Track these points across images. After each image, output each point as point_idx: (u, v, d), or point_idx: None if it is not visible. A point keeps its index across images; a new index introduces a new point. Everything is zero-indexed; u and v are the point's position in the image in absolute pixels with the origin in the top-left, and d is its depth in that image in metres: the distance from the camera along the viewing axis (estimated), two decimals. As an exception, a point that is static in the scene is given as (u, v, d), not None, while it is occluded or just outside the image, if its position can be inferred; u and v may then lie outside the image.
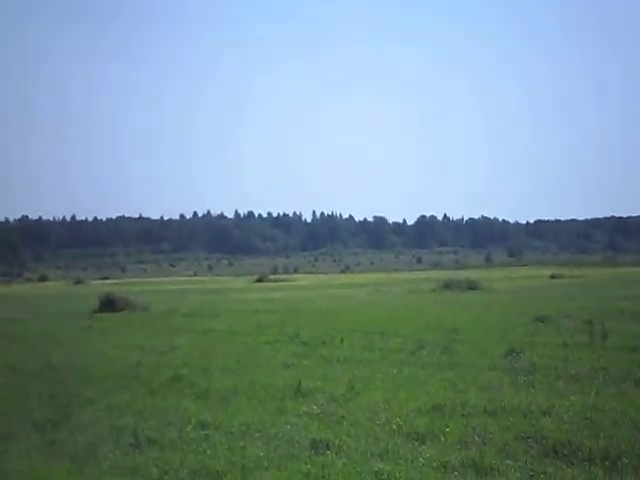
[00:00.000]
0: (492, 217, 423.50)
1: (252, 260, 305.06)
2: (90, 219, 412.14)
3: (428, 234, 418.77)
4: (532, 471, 12.51)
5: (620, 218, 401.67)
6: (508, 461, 13.19)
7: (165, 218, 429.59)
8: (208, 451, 15.12)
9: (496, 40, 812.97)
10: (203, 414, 18.28)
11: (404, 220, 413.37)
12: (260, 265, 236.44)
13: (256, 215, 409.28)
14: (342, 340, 34.65)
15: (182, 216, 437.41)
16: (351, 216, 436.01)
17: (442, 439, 15.23)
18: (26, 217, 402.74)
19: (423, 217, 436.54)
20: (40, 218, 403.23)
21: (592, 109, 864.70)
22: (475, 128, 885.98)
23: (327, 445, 14.83)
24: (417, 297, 78.31)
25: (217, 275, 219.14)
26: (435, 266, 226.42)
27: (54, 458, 15.11)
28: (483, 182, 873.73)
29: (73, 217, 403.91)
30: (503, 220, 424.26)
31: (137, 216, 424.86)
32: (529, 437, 14.83)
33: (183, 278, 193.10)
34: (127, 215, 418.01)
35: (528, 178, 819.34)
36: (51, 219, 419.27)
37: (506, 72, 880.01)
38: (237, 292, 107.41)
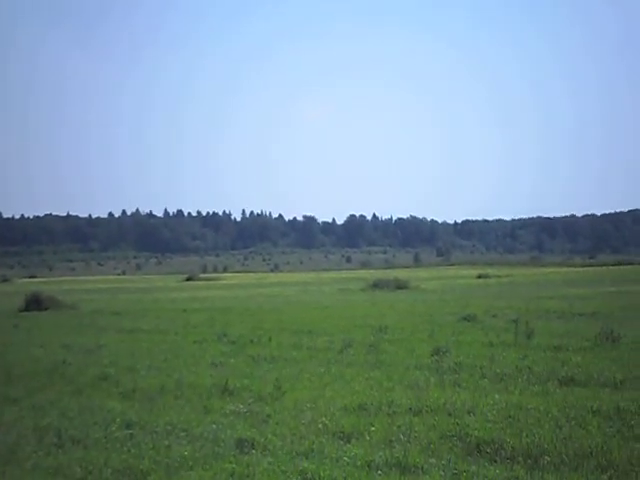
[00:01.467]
0: (421, 217, 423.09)
1: (181, 259, 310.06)
2: (17, 217, 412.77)
3: (357, 233, 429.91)
4: (456, 470, 12.62)
5: (547, 218, 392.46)
6: (432, 460, 13.25)
7: (93, 216, 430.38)
8: (132, 450, 14.94)
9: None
10: (128, 413, 18.28)
11: (334, 219, 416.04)
12: (189, 264, 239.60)
13: (185, 214, 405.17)
14: (270, 339, 35.15)
15: (111, 214, 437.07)
16: (281, 215, 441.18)
17: (367, 438, 15.34)
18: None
19: (352, 216, 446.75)
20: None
21: (531, 110, 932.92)
22: (404, 129, 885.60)
23: (252, 444, 14.89)
24: (346, 296, 78.71)
25: (146, 274, 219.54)
26: (364, 265, 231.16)
27: None
28: (412, 182, 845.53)
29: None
30: (432, 220, 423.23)
31: (65, 214, 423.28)
32: (453, 436, 15.01)
33: (111, 277, 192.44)
34: (55, 213, 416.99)
35: (456, 178, 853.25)
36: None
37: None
38: (166, 291, 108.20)
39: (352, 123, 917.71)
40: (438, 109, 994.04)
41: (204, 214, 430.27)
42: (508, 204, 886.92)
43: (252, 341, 35.14)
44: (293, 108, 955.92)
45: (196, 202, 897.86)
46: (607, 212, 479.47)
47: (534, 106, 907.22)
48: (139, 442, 15.69)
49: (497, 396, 18.98)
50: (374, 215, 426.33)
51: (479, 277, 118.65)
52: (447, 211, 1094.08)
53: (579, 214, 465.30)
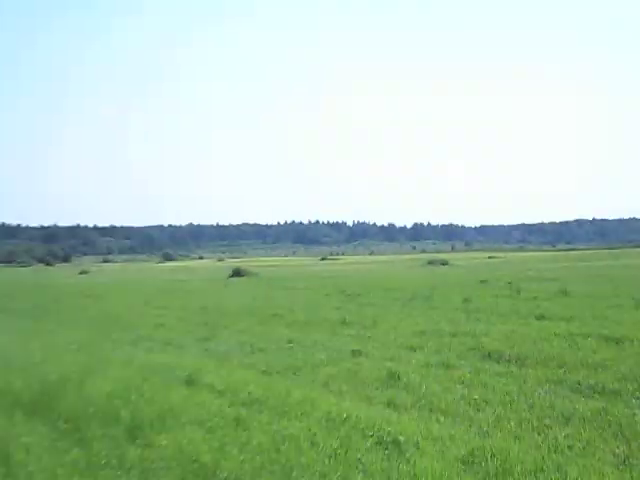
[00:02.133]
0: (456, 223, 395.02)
1: (317, 248, 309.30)
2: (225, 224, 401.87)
3: (418, 233, 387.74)
4: (476, 367, 14.04)
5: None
6: (462, 362, 14.78)
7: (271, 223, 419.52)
8: (292, 356, 16.60)
9: None
10: (290, 335, 19.44)
11: (404, 225, 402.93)
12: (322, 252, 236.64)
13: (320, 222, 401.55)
14: (369, 293, 36.62)
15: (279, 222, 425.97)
16: (375, 223, 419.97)
17: (425, 350, 16.85)
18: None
19: (415, 223, 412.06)
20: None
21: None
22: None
23: (360, 352, 16.48)
24: (411, 269, 77.59)
25: (297, 257, 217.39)
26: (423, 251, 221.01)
27: (207, 358, 15.52)
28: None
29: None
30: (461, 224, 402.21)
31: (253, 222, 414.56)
32: (475, 349, 16.43)
33: (279, 258, 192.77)
34: (252, 222, 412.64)
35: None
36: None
37: None
38: (309, 266, 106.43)
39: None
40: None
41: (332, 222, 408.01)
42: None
43: (359, 294, 35.73)
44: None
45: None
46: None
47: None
48: (296, 351, 17.37)
49: (500, 326, 20.37)
50: (429, 222, 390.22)
51: (489, 258, 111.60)
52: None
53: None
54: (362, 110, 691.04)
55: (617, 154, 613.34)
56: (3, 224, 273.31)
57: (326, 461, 7.49)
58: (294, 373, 13.99)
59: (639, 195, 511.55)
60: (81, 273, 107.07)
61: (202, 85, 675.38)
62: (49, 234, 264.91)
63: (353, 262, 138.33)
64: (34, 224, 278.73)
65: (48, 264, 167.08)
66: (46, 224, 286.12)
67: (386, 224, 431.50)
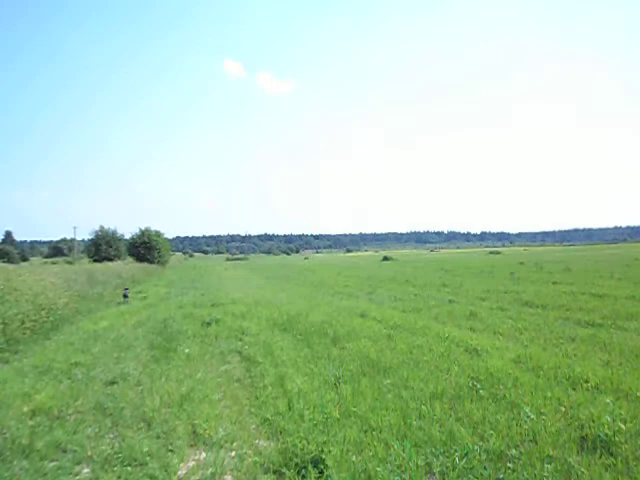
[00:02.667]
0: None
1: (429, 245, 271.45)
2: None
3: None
4: (518, 310, 13.53)
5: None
6: (510, 307, 14.26)
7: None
8: (416, 302, 15.88)
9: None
10: (415, 291, 20.38)
11: (427, 230, 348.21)
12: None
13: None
14: (457, 269, 33.10)
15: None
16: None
17: (490, 300, 16.08)
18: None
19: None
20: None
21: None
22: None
23: (453, 301, 16.17)
24: (479, 256, 72.23)
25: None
26: (486, 247, 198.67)
27: (371, 303, 16.31)
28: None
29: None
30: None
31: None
32: (517, 300, 15.63)
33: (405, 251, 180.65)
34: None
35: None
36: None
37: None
38: (423, 254, 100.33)
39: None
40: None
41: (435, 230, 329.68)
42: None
43: (452, 269, 35.63)
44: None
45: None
46: None
47: None
48: (418, 300, 16.87)
49: (532, 287, 19.20)
50: (489, 230, 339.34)
51: (524, 250, 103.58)
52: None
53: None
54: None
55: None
56: (265, 234, 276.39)
57: (438, 359, 7.50)
58: (418, 311, 13.75)
59: (616, 208, 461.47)
60: (305, 258, 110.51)
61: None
62: (289, 238, 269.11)
63: (447, 253, 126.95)
64: (279, 233, 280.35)
65: (287, 254, 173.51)
66: (286, 233, 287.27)
67: (464, 231, 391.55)
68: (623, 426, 4.47)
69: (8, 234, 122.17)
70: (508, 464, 3.96)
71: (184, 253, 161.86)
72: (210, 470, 4.24)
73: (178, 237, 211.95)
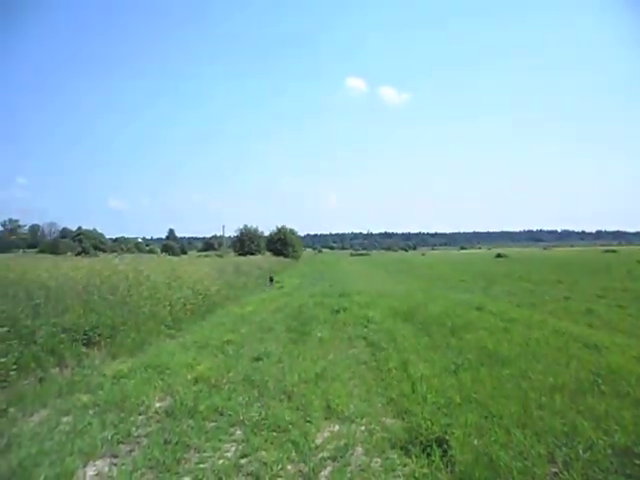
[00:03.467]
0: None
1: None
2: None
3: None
4: (638, 309, 12.30)
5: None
6: (626, 304, 13.04)
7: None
8: (531, 297, 15.24)
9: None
10: (530, 287, 18.15)
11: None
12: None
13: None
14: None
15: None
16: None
17: (608, 297, 15.11)
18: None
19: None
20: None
21: None
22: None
23: (568, 298, 15.08)
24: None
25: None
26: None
27: (486, 297, 15.75)
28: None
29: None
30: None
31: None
32: (637, 298, 13.95)
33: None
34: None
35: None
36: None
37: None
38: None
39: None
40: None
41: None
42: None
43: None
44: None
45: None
46: None
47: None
48: (532, 294, 16.12)
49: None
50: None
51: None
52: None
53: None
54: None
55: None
56: (385, 232, 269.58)
57: (556, 352, 7.00)
58: (533, 306, 13.13)
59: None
60: (422, 254, 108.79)
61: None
62: (407, 236, 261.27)
63: (561, 251, 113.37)
64: (398, 231, 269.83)
65: (406, 250, 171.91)
66: (404, 231, 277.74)
67: (579, 229, 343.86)
68: None
69: (171, 231, 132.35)
70: (635, 460, 3.56)
71: (314, 249, 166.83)
72: (343, 441, 4.27)
73: (308, 234, 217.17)
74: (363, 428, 4.60)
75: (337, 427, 4.65)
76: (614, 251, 77.99)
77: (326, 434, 4.49)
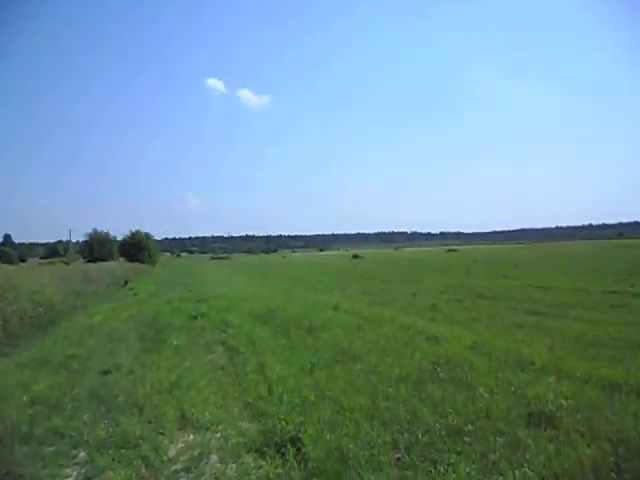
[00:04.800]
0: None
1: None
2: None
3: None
4: (473, 301, 13.69)
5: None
6: (466, 298, 14.50)
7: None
8: (383, 296, 16.04)
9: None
10: (382, 286, 19.20)
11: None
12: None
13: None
14: (421, 267, 31.61)
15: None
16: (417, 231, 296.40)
17: (448, 293, 16.45)
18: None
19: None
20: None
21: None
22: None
23: (415, 294, 15.99)
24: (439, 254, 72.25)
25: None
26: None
27: (343, 297, 16.36)
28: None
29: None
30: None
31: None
32: (472, 293, 15.92)
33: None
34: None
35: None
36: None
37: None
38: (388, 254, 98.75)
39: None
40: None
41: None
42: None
43: (415, 266, 31.32)
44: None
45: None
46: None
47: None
48: (385, 294, 17.19)
49: (484, 282, 19.28)
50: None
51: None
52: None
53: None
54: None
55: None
56: (246, 235, 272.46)
57: (402, 346, 7.49)
58: (384, 304, 13.77)
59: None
60: (282, 257, 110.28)
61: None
62: (267, 239, 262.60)
63: (410, 252, 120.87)
64: (260, 234, 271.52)
65: (266, 253, 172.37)
66: (265, 234, 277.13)
67: (425, 231, 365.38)
68: (564, 402, 4.56)
69: (7, 237, 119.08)
70: (465, 438, 4.00)
71: (172, 253, 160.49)
72: (197, 450, 4.23)
73: (166, 238, 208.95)
74: (219, 435, 4.58)
75: (192, 437, 4.58)
76: (455, 250, 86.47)
77: (180, 445, 4.40)
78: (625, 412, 4.36)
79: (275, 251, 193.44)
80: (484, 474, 3.46)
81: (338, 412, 4.79)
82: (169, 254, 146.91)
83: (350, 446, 3.92)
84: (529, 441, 3.88)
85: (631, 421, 4.12)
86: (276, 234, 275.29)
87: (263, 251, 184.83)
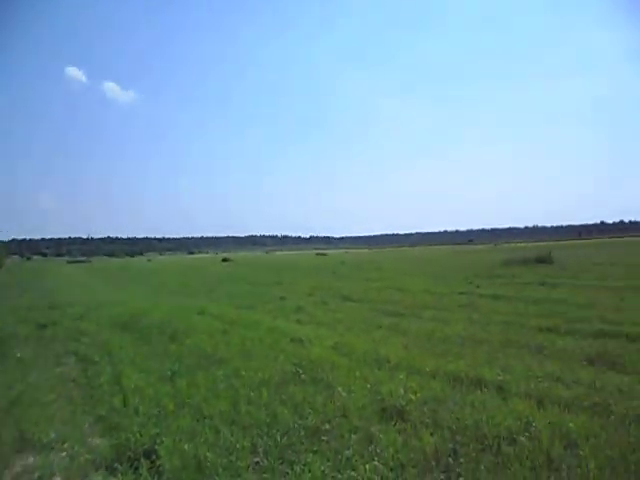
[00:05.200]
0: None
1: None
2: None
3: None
4: (338, 304, 14.05)
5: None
6: (332, 301, 14.77)
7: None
8: (250, 299, 15.85)
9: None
10: (250, 289, 19.28)
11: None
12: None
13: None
14: (294, 268, 31.29)
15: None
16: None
17: (315, 295, 16.56)
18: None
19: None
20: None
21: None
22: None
23: (284, 297, 16.12)
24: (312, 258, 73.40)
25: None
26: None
27: (209, 301, 15.79)
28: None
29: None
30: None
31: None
32: (338, 295, 16.48)
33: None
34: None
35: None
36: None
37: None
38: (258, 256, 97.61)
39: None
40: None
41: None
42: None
43: (287, 268, 31.18)
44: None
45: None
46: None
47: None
48: (252, 296, 16.81)
49: (350, 284, 20.04)
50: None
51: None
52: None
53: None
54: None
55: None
56: (108, 237, 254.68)
57: (267, 349, 7.57)
58: (252, 308, 13.75)
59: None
60: (148, 260, 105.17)
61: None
62: (132, 241, 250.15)
63: (281, 255, 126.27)
64: (124, 236, 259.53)
65: (131, 256, 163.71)
66: (130, 236, 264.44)
67: (295, 235, 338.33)
68: (413, 397, 4.92)
69: None
70: (322, 437, 4.14)
71: (21, 256, 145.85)
72: (38, 473, 3.90)
73: (15, 240, 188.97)
74: (64, 454, 4.26)
75: (32, 459, 4.20)
76: (324, 254, 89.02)
77: (17, 469, 4.01)
78: (464, 402, 4.83)
79: (141, 254, 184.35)
80: (338, 470, 3.60)
81: (198, 420, 4.72)
82: (18, 257, 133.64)
83: (208, 454, 3.88)
84: (380, 435, 4.13)
85: (469, 410, 4.58)
86: (142, 236, 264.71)
87: (128, 254, 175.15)
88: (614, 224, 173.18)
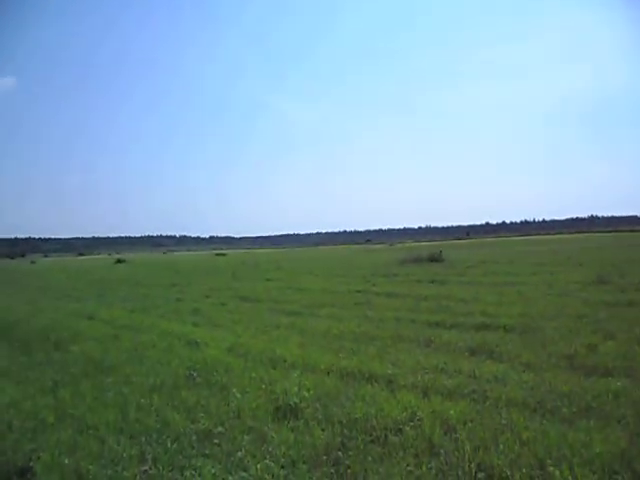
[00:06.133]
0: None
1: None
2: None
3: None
4: (236, 304, 13.86)
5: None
6: (230, 301, 14.46)
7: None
8: (145, 302, 15.27)
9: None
10: (145, 292, 18.94)
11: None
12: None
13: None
14: (194, 267, 30.33)
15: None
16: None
17: (213, 297, 16.38)
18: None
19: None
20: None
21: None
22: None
23: (181, 299, 15.76)
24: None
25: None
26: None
27: (100, 305, 14.88)
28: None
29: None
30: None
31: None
32: (236, 296, 16.37)
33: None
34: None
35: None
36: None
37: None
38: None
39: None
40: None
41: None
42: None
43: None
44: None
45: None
46: None
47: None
48: (147, 300, 16.16)
49: (248, 284, 19.83)
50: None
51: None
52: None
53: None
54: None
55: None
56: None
57: (161, 353, 7.41)
58: (146, 311, 13.28)
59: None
60: (32, 262, 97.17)
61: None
62: (13, 242, 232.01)
63: (179, 255, 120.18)
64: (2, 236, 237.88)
65: (12, 258, 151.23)
66: (11, 236, 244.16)
67: (195, 235, 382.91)
68: (307, 394, 5.01)
69: None
70: (215, 440, 4.09)
71: None
72: None
73: None
74: None
75: None
76: (224, 254, 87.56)
77: None
78: (356, 397, 4.99)
79: (23, 256, 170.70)
80: (229, 472, 3.57)
81: (81, 431, 4.47)
82: None
83: (90, 467, 3.68)
84: (273, 434, 4.16)
85: (360, 404, 4.73)
86: (24, 236, 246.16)
87: (7, 256, 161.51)
88: (497, 225, 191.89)
